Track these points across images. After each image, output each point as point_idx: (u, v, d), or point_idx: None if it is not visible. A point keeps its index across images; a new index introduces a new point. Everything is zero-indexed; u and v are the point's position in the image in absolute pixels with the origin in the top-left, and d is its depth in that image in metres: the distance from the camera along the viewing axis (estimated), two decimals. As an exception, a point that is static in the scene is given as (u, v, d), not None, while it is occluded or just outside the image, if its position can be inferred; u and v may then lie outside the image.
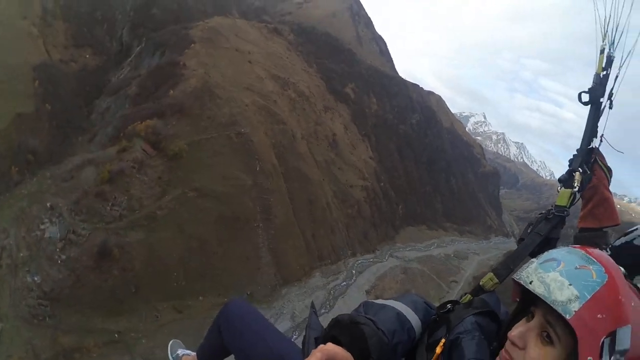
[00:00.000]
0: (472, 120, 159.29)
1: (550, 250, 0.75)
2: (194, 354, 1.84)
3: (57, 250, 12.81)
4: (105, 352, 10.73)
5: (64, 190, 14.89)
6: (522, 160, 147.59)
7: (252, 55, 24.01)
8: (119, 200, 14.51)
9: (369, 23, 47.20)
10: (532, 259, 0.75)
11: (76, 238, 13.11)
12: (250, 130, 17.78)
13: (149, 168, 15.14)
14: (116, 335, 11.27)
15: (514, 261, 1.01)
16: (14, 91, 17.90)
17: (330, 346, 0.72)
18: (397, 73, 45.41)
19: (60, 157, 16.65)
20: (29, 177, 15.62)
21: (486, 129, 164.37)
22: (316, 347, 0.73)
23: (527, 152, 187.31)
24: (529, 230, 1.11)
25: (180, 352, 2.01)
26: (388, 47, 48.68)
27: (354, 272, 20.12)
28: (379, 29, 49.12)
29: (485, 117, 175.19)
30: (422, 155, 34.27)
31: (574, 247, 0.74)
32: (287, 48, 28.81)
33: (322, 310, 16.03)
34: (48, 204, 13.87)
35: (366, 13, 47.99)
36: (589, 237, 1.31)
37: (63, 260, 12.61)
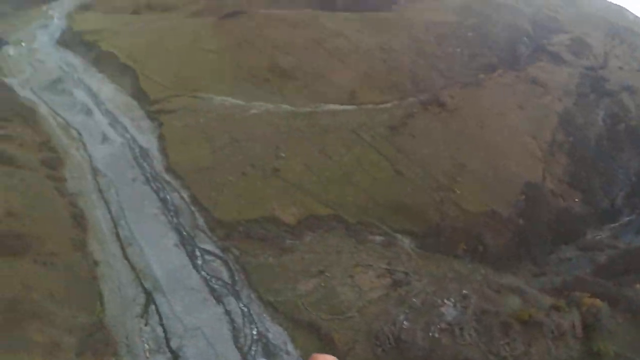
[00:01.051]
0: None
1: None
2: None
3: (437, 327, 14.40)
4: None
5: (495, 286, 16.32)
6: None
7: None
8: (511, 341, 14.23)
9: None
10: None
11: (459, 333, 14.42)
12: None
13: (564, 345, 14.02)
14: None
15: None
16: (499, 192, 21.48)
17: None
18: None
19: (509, 267, 18.26)
20: (470, 260, 18.81)
21: None
22: None
23: None
24: None
25: None
26: None
27: None
28: None
29: None
30: None
31: None
32: None
33: None
34: (464, 292, 16.18)
35: None
36: None
37: (430, 338, 14.05)
